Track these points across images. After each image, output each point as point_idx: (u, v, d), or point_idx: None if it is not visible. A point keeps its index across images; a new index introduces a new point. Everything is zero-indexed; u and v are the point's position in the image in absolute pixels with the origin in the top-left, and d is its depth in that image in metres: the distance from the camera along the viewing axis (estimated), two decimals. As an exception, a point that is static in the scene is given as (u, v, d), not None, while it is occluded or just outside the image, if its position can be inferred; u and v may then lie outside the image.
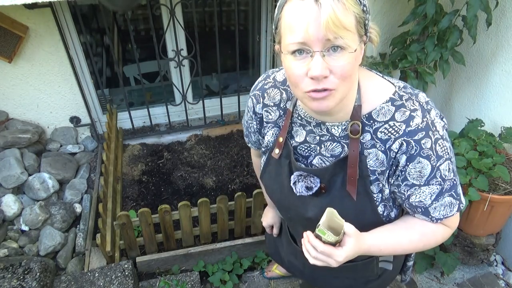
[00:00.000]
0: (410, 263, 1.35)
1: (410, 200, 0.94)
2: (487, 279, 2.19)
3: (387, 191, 0.96)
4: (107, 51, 3.53)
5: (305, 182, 1.00)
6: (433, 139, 0.86)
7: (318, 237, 0.88)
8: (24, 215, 2.20)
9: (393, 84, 0.92)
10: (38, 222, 2.19)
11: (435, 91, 2.63)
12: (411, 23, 2.10)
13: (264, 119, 1.09)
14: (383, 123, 0.89)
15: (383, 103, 0.89)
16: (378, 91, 0.91)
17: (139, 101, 3.30)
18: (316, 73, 0.77)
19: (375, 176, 0.94)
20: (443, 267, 2.07)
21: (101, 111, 2.92)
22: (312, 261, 0.91)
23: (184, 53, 2.71)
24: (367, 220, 1.00)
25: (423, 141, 0.86)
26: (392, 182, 0.94)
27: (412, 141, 0.86)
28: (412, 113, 0.86)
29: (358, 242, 0.90)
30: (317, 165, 1.02)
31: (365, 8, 0.79)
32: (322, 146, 1.00)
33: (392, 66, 2.18)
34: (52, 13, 2.24)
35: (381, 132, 0.89)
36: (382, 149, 0.90)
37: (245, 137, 1.24)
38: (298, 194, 1.01)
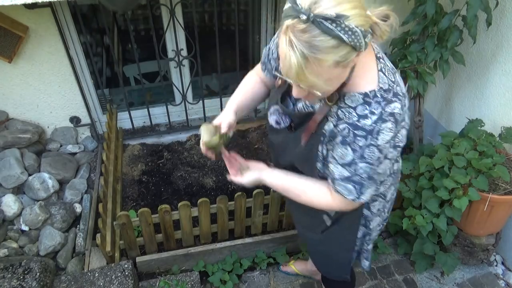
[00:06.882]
0: (369, 246, 1.44)
1: (329, 165, 1.12)
2: (487, 279, 2.19)
3: (325, 152, 1.13)
4: (107, 51, 3.52)
5: (277, 117, 1.20)
6: (367, 143, 0.99)
7: (211, 148, 1.19)
8: (24, 215, 2.20)
9: (379, 83, 1.00)
10: (38, 222, 2.19)
11: (435, 91, 2.63)
12: (411, 23, 2.09)
13: None
14: (347, 106, 1.02)
15: (358, 93, 1.00)
16: (363, 82, 1.00)
17: (139, 101, 3.29)
18: (295, 96, 0.99)
19: (324, 138, 1.10)
20: (443, 267, 2.07)
21: (101, 111, 2.92)
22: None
23: (184, 53, 2.71)
24: (307, 167, 1.21)
25: (358, 138, 1.00)
26: (327, 147, 1.13)
27: (351, 132, 1.00)
28: (369, 114, 0.98)
29: (257, 167, 1.27)
30: (298, 108, 1.18)
31: (355, 39, 0.80)
32: None
33: (392, 66, 2.18)
34: (52, 13, 2.24)
35: (341, 112, 1.03)
36: (334, 123, 1.06)
37: (261, 64, 1.33)
38: (269, 123, 1.22)
